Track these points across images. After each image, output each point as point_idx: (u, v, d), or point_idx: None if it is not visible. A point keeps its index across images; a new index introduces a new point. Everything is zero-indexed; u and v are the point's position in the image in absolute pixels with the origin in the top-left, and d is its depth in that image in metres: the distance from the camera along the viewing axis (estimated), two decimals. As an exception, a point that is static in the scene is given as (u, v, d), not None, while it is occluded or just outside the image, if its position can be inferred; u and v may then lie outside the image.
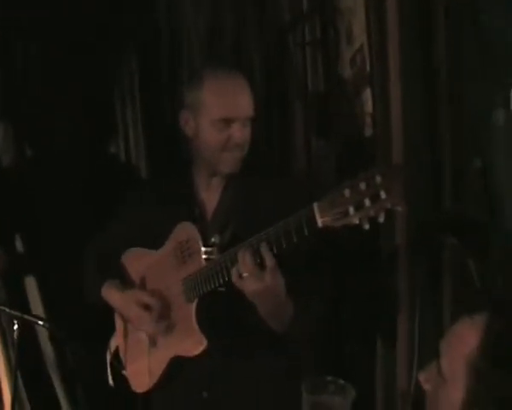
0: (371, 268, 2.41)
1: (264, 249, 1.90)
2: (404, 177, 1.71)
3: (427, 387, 1.29)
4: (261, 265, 1.92)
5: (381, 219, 1.73)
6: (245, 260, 1.92)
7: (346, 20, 2.49)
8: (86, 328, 2.63)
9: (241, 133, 2.13)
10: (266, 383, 2.22)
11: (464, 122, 1.97)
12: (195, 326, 2.14)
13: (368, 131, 2.38)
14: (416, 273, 2.13)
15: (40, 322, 2.67)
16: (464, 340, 1.20)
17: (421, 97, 2.12)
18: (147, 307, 2.23)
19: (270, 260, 1.90)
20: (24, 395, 2.99)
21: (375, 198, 1.71)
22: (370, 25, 2.27)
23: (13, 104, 2.99)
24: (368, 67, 2.34)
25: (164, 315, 2.23)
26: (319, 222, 1.79)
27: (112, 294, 2.32)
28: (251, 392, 2.22)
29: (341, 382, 1.49)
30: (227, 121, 2.12)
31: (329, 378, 1.50)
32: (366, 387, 2.51)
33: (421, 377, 1.30)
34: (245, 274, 1.93)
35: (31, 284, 3.03)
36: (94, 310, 2.40)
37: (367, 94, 2.36)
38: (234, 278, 1.96)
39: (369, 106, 2.35)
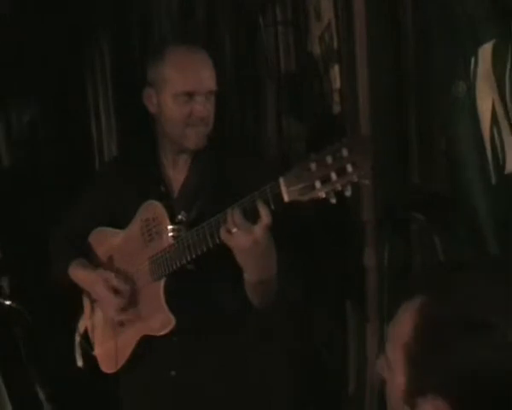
0: (339, 243, 2.41)
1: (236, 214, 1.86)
2: (370, 150, 1.70)
3: (381, 374, 1.27)
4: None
5: (348, 193, 1.73)
6: (234, 216, 1.87)
7: (314, -2, 2.48)
8: (55, 310, 2.62)
9: (203, 107, 2.12)
10: (234, 360, 2.21)
11: (430, 97, 1.97)
12: (164, 305, 2.12)
13: (336, 109, 2.38)
14: (383, 249, 2.13)
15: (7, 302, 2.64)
16: (401, 325, 1.19)
17: (387, 73, 2.12)
18: (116, 291, 2.21)
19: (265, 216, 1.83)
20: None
21: (341, 172, 1.70)
22: (337, 1, 2.26)
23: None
24: (336, 44, 2.33)
25: (131, 302, 2.22)
26: (285, 196, 1.78)
27: (79, 272, 2.30)
28: (218, 370, 2.21)
29: None
30: (189, 95, 2.11)
31: None
32: (338, 359, 2.53)
33: (378, 365, 1.28)
34: (234, 230, 1.87)
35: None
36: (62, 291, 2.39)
37: (335, 71, 2.35)
38: (222, 235, 1.89)
39: (337, 83, 2.35)
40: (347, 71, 2.25)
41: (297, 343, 2.61)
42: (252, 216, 1.85)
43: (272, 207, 1.82)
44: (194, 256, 2.02)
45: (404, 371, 1.17)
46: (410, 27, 2.04)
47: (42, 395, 2.87)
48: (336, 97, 2.36)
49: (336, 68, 2.35)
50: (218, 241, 1.93)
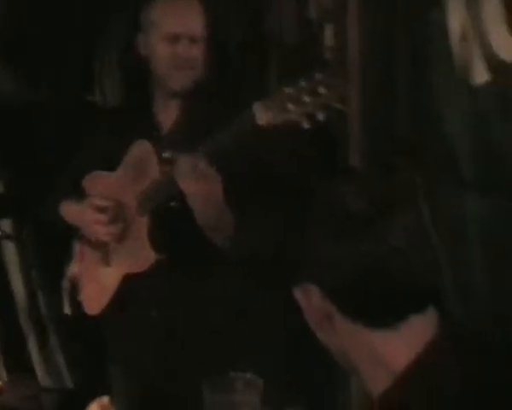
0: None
1: (199, 157, 1.95)
2: (344, 75, 1.74)
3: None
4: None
5: (321, 117, 1.76)
6: (182, 162, 1.97)
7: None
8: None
9: (187, 49, 2.20)
10: (215, 302, 2.23)
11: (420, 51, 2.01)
12: (146, 240, 2.17)
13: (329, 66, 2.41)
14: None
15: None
16: None
17: (378, 27, 2.17)
18: (102, 210, 2.28)
19: (204, 165, 1.95)
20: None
21: (313, 94, 1.74)
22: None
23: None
24: (330, 4, 2.38)
25: (118, 218, 2.27)
26: (259, 119, 1.83)
27: (69, 207, 2.38)
28: (200, 311, 2.23)
29: (248, 376, 1.35)
30: (173, 37, 2.20)
31: (234, 375, 1.34)
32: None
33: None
34: (187, 176, 1.97)
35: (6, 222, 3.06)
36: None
37: (328, 30, 2.40)
38: (178, 180, 1.99)
39: (329, 42, 2.39)
40: (339, 28, 2.30)
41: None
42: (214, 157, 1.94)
43: (247, 133, 1.87)
44: (169, 195, 2.09)
45: None
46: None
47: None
48: (329, 55, 2.41)
49: (329, 28, 2.39)
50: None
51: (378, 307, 1.11)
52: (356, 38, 2.22)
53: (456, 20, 1.68)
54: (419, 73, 2.01)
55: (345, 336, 1.14)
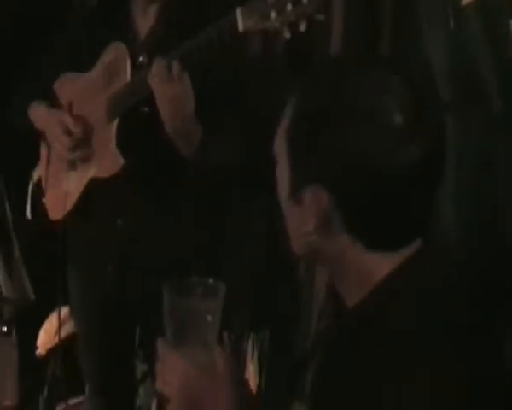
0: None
1: (173, 61, 1.92)
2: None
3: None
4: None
5: (302, 28, 1.71)
6: (156, 64, 1.93)
7: None
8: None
9: None
10: (180, 212, 2.20)
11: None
12: (113, 146, 2.12)
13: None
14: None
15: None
16: (284, 117, 1.15)
17: None
18: (67, 132, 2.22)
19: (176, 69, 1.91)
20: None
21: (297, 3, 1.69)
22: None
23: None
24: None
25: (84, 143, 2.22)
26: (240, 25, 1.78)
27: (37, 111, 2.31)
28: (164, 221, 2.21)
29: (210, 281, 1.28)
30: None
31: (195, 279, 1.28)
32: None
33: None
34: (157, 79, 1.93)
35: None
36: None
37: None
38: (149, 80, 1.95)
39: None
40: None
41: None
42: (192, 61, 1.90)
43: (227, 38, 1.82)
44: (139, 98, 2.04)
45: (286, 160, 1.14)
46: None
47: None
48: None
49: None
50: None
51: (385, 229, 1.10)
52: None
53: None
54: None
55: (337, 248, 1.12)
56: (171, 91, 1.93)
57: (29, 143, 2.44)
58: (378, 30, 2.02)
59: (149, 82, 1.95)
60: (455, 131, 1.82)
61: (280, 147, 1.16)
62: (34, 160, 2.47)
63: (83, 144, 2.22)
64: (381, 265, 1.10)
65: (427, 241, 1.13)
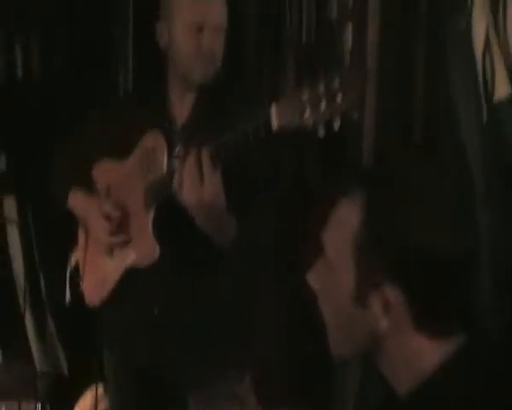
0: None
1: (204, 156, 1.93)
2: (363, 83, 1.70)
3: (317, 286, 1.25)
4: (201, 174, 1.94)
5: (336, 127, 1.72)
6: (185, 166, 1.95)
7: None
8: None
9: (211, 40, 2.15)
10: (217, 300, 2.20)
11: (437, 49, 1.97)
12: (150, 234, 2.14)
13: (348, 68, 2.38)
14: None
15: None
16: (344, 220, 1.18)
17: (397, 27, 2.13)
18: (107, 217, 2.24)
19: (207, 169, 1.92)
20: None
21: (331, 101, 1.70)
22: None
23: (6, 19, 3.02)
24: (350, 3, 2.35)
25: (122, 228, 2.24)
26: (275, 123, 1.79)
27: (77, 198, 2.35)
28: (202, 310, 2.20)
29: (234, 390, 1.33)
30: (198, 27, 2.15)
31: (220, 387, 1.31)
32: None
33: (310, 277, 1.26)
34: (187, 181, 1.95)
35: (9, 201, 3.04)
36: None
37: (348, 31, 2.36)
38: (175, 186, 1.97)
39: (349, 43, 2.36)
40: (358, 28, 2.26)
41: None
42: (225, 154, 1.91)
43: (262, 134, 1.84)
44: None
45: (352, 267, 1.15)
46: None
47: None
48: (347, 58, 2.37)
49: (349, 28, 2.36)
50: None
51: (448, 319, 1.14)
52: (375, 41, 2.19)
53: (480, 29, 1.64)
54: (437, 78, 1.98)
55: (400, 340, 1.14)
56: (200, 194, 1.94)
57: (67, 227, 2.48)
58: (411, 121, 2.04)
59: (177, 189, 1.97)
60: (491, 220, 1.82)
61: (341, 253, 1.17)
62: (72, 243, 2.51)
63: (121, 230, 2.24)
64: (434, 352, 1.13)
65: (474, 331, 1.16)
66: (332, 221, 1.20)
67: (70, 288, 2.47)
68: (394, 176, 1.18)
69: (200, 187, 1.93)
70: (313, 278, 1.25)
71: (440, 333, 1.14)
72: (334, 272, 1.18)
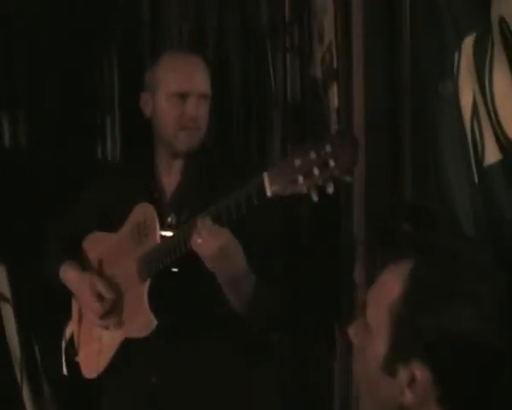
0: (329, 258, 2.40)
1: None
2: (354, 147, 1.70)
3: (355, 341, 1.26)
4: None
5: (330, 190, 1.72)
6: (203, 223, 1.92)
7: (318, 20, 2.53)
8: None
9: (195, 108, 2.16)
10: (216, 368, 2.18)
11: (424, 113, 1.98)
12: (146, 306, 2.11)
13: (334, 128, 2.39)
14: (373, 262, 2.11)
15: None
16: (387, 286, 1.17)
17: (383, 90, 2.14)
18: (99, 297, 2.22)
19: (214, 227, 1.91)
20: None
21: (323, 166, 1.70)
22: (337, 21, 2.30)
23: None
24: (335, 63, 2.36)
25: (115, 308, 2.22)
26: (268, 191, 1.79)
27: (69, 273, 2.31)
28: (200, 378, 2.18)
29: None
30: (182, 96, 2.16)
31: None
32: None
33: (351, 330, 1.26)
34: (199, 241, 1.92)
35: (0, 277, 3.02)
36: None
37: (334, 90, 2.38)
38: (192, 244, 1.94)
39: (335, 102, 2.38)
40: (344, 89, 2.27)
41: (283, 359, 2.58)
42: (221, 222, 1.91)
43: (255, 202, 1.83)
44: (173, 259, 2.04)
45: (386, 335, 1.15)
46: (407, 44, 2.07)
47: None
48: (334, 117, 2.38)
49: (335, 88, 2.37)
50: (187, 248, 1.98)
51: (477, 404, 1.13)
52: (361, 101, 2.20)
53: (466, 94, 1.65)
54: (425, 141, 1.99)
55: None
56: (217, 244, 1.91)
57: (60, 299, 2.46)
58: (401, 182, 2.04)
59: (192, 243, 1.94)
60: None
61: (378, 318, 1.17)
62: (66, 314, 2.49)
63: (114, 310, 2.22)
64: None
65: None
66: (377, 283, 1.20)
67: (65, 360, 2.44)
68: (444, 251, 1.17)
69: (214, 238, 1.91)
70: (352, 333, 1.25)
71: None
72: (370, 333, 1.18)
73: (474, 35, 1.56)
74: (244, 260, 1.98)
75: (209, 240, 1.91)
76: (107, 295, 2.20)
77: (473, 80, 1.54)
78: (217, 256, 1.93)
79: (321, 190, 1.73)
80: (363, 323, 1.21)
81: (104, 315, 2.22)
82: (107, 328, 2.25)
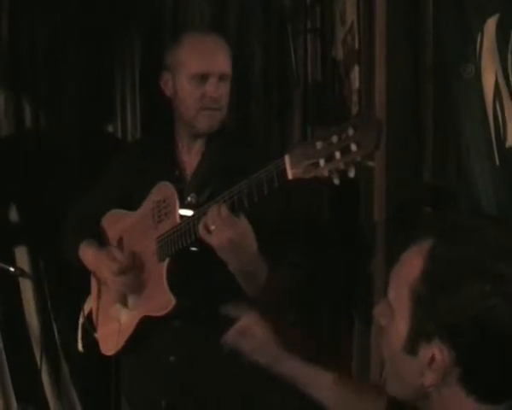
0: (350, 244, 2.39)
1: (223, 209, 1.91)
2: (377, 130, 1.69)
3: (380, 321, 1.25)
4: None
5: (351, 174, 1.72)
6: (213, 211, 1.92)
7: (340, 1, 2.52)
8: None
9: (215, 88, 2.16)
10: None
11: (446, 95, 1.97)
12: (165, 285, 2.12)
13: (355, 110, 2.38)
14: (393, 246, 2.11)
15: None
16: (408, 265, 1.17)
17: (405, 72, 2.13)
18: (114, 259, 2.22)
19: (231, 216, 1.90)
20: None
21: (345, 150, 1.69)
22: (360, 2, 2.29)
23: (16, 74, 3.05)
24: (356, 45, 2.35)
25: (134, 272, 2.22)
26: (289, 173, 1.79)
27: (88, 251, 2.33)
28: (217, 357, 2.19)
29: None
30: (203, 77, 2.16)
31: None
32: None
33: (375, 311, 1.26)
34: (212, 227, 1.92)
35: (21, 254, 3.04)
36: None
37: (355, 72, 2.37)
38: (201, 233, 1.94)
39: (356, 83, 2.36)
40: (366, 70, 2.26)
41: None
42: (242, 204, 1.90)
43: (276, 184, 1.83)
44: (192, 239, 2.03)
45: (408, 315, 1.15)
46: (430, 25, 2.05)
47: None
48: (355, 98, 2.37)
49: (356, 69, 2.36)
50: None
51: (499, 384, 1.12)
52: (383, 81, 2.19)
53: (489, 76, 1.64)
54: (447, 123, 1.98)
55: (448, 399, 1.14)
56: (229, 235, 1.91)
57: (79, 276, 2.48)
58: (422, 161, 2.03)
59: (203, 231, 1.94)
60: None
61: (400, 297, 1.16)
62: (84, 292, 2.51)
63: (132, 273, 2.22)
64: None
65: None
66: (399, 264, 1.19)
67: (83, 337, 2.46)
68: (466, 229, 1.16)
69: (228, 229, 1.91)
70: (377, 314, 1.25)
71: (489, 399, 1.13)
72: (393, 313, 1.18)
73: (497, 16, 1.55)
74: (257, 251, 1.98)
75: (223, 230, 1.91)
76: (124, 259, 2.21)
77: (495, 62, 1.53)
78: (228, 248, 1.93)
79: (343, 175, 1.73)
80: (387, 303, 1.21)
81: (120, 274, 2.21)
82: (128, 304, 2.28)
